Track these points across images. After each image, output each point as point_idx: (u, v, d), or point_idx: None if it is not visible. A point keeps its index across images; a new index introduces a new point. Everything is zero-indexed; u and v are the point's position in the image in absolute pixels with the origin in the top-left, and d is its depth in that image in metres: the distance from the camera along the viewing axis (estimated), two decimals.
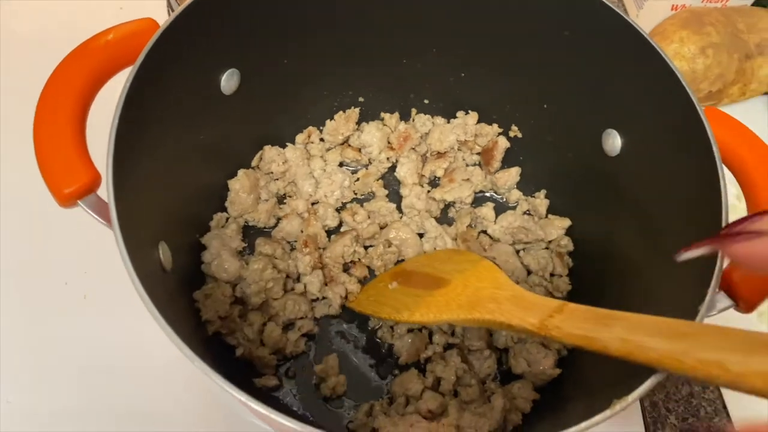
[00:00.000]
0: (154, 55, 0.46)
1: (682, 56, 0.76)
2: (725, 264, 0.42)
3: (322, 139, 0.70)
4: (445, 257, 0.61)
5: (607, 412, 0.35)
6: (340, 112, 0.69)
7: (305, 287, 0.60)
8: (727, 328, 0.34)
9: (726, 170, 0.46)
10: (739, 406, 0.62)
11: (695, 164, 0.46)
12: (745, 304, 0.42)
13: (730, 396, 0.62)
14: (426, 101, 0.71)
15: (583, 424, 0.35)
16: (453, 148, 0.69)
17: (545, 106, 0.63)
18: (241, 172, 0.63)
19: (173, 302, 0.51)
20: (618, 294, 0.56)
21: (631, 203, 0.56)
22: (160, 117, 0.49)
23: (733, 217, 0.44)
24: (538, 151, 0.67)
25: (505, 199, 0.70)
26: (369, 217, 0.65)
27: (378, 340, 0.60)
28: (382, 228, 0.65)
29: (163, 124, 0.49)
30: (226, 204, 0.63)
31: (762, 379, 0.30)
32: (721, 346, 0.33)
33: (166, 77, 0.48)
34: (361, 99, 0.70)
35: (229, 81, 0.57)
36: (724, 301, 0.43)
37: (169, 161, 0.51)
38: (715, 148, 0.44)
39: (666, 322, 0.37)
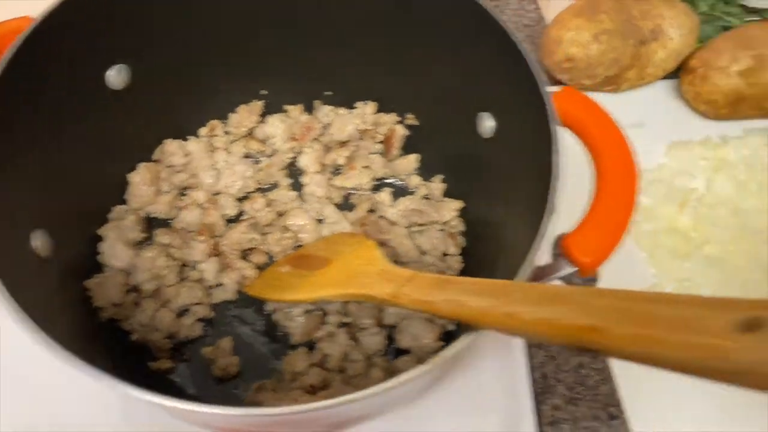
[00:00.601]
0: (25, 52, 0.48)
1: (579, 43, 0.79)
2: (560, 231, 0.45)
3: (227, 132, 0.72)
4: (339, 240, 0.63)
5: (422, 367, 0.37)
6: (243, 105, 0.71)
7: (201, 274, 0.62)
8: (530, 285, 0.37)
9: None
10: (626, 373, 0.64)
11: (546, 138, 0.49)
12: (581, 269, 0.45)
13: (615, 364, 0.65)
14: (329, 93, 0.73)
15: (392, 381, 0.37)
16: (353, 137, 0.71)
17: (431, 95, 0.65)
18: (141, 165, 0.65)
19: (59, 291, 0.53)
20: (504, 268, 0.58)
21: (505, 182, 0.58)
22: (35, 111, 0.50)
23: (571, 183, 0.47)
24: (433, 138, 0.70)
25: (406, 185, 0.72)
26: (268, 206, 0.67)
27: (275, 323, 0.62)
28: (281, 215, 0.67)
29: (39, 117, 0.51)
30: (126, 196, 0.65)
31: (545, 324, 0.33)
32: (520, 300, 0.36)
33: (41, 73, 0.50)
34: (263, 92, 0.72)
35: (117, 76, 0.59)
36: (567, 267, 0.46)
37: (50, 153, 0.53)
38: (551, 117, 0.47)
39: (485, 282, 0.39)
